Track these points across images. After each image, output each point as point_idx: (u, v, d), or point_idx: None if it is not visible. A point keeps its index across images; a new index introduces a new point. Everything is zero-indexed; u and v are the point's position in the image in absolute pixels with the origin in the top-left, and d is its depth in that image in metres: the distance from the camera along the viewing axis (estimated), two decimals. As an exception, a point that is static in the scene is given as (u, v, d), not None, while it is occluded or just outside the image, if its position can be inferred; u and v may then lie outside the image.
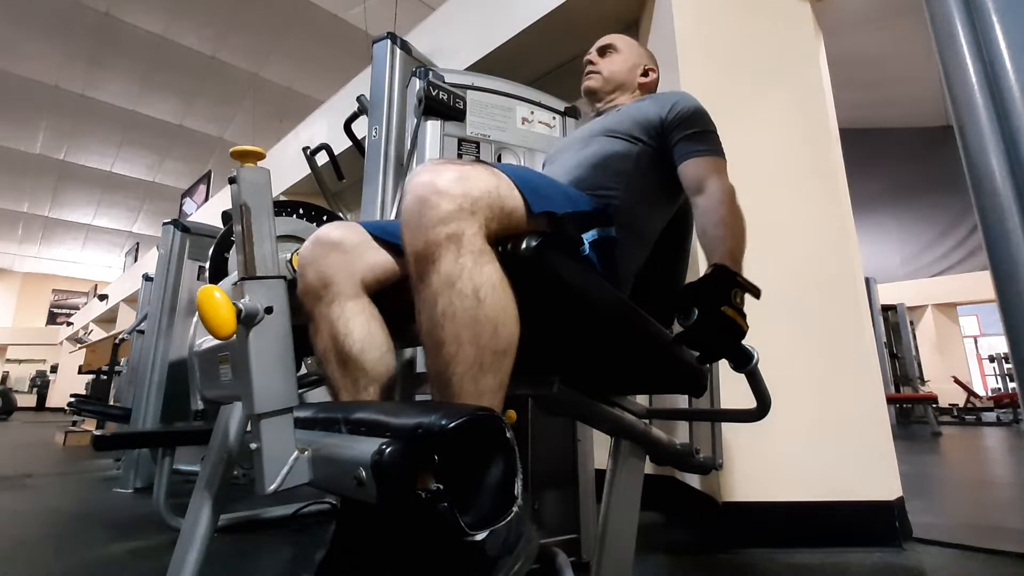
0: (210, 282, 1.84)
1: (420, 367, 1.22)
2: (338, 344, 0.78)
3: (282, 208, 1.81)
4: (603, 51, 1.29)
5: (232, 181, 0.66)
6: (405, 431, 0.52)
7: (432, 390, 0.65)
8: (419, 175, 0.66)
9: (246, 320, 0.61)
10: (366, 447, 0.51)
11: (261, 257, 0.64)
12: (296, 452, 0.60)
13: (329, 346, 0.79)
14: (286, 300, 0.64)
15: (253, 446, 0.59)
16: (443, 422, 0.50)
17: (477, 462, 0.53)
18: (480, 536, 0.50)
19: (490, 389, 0.63)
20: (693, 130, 1.03)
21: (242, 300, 0.61)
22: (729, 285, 0.78)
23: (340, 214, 2.27)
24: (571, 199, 0.86)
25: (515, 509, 0.53)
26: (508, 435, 0.54)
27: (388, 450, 0.50)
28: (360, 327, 0.78)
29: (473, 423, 0.51)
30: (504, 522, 0.53)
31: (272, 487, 0.58)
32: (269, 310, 0.62)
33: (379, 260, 0.84)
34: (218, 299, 0.57)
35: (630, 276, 0.97)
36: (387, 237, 0.85)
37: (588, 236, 0.86)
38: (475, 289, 0.62)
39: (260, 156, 0.67)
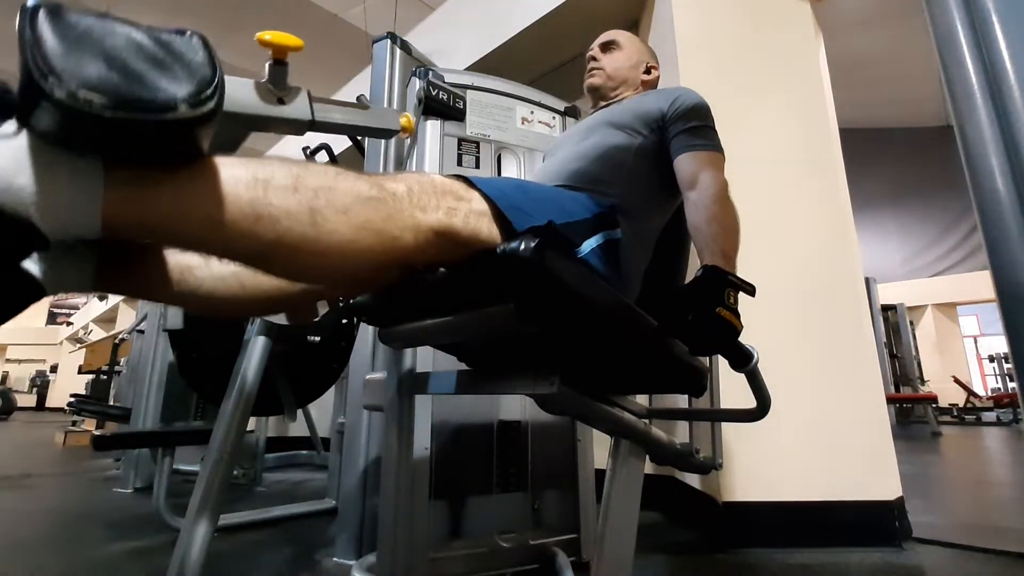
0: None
1: (420, 367, 1.22)
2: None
3: None
4: (606, 47, 1.28)
5: None
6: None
7: None
8: None
9: (279, 74, 0.72)
10: None
11: (325, 107, 0.74)
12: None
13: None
14: (294, 114, 0.71)
15: None
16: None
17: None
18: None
19: (263, 191, 0.51)
20: (692, 124, 1.03)
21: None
22: (722, 286, 0.78)
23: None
24: (565, 208, 0.85)
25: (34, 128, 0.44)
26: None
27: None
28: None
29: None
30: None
31: None
32: (281, 101, 0.71)
33: None
34: (298, 45, 0.71)
35: (636, 277, 0.96)
36: None
37: (593, 241, 0.86)
38: (377, 199, 0.57)
39: (409, 130, 0.80)
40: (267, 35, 0.68)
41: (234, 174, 0.50)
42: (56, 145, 0.45)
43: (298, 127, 0.72)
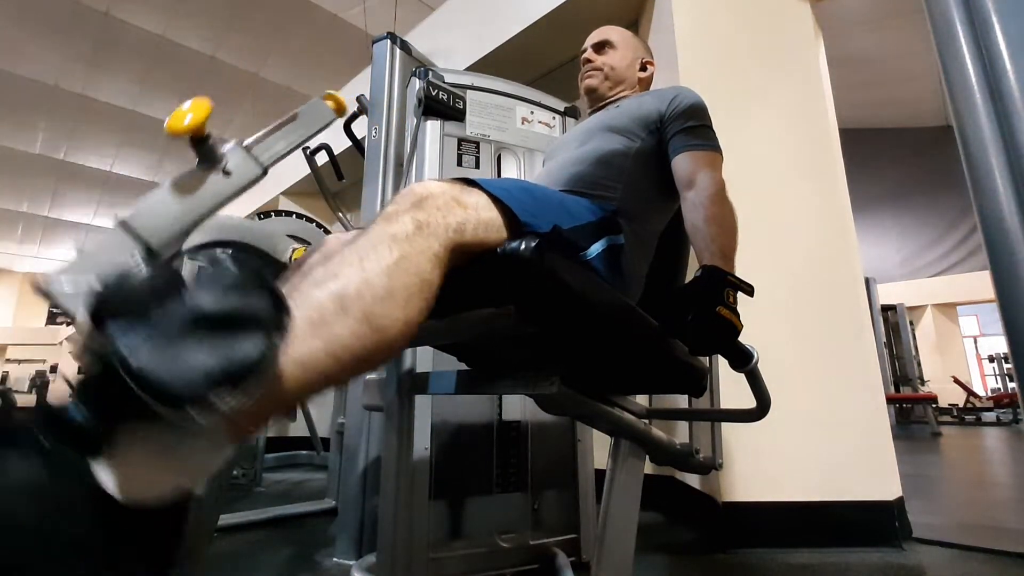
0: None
1: (420, 367, 1.22)
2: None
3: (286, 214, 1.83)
4: (600, 47, 1.27)
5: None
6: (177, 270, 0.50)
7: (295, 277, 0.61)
8: (419, 181, 0.71)
9: (207, 153, 0.63)
10: None
11: (267, 145, 0.69)
12: (96, 282, 0.52)
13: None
14: (243, 185, 0.67)
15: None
16: (224, 263, 0.48)
17: (220, 326, 0.44)
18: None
19: (330, 332, 0.52)
20: (689, 124, 1.03)
21: (228, 146, 0.64)
22: (721, 286, 0.78)
23: (340, 214, 2.27)
24: (570, 212, 0.85)
25: (201, 424, 0.42)
26: (276, 335, 0.46)
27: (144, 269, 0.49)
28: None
29: (248, 282, 0.47)
30: (171, 410, 0.40)
31: (53, 284, 0.54)
32: (227, 173, 0.65)
33: None
34: (198, 106, 0.62)
35: (639, 280, 0.96)
36: None
37: (599, 246, 0.85)
38: (402, 257, 0.58)
39: (342, 110, 0.76)
40: (172, 121, 0.61)
41: (304, 344, 0.51)
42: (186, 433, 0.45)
43: (255, 182, 0.68)
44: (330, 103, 0.71)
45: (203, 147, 0.62)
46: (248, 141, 0.66)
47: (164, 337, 0.41)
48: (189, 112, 0.61)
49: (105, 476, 0.42)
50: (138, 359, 0.39)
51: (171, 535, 0.47)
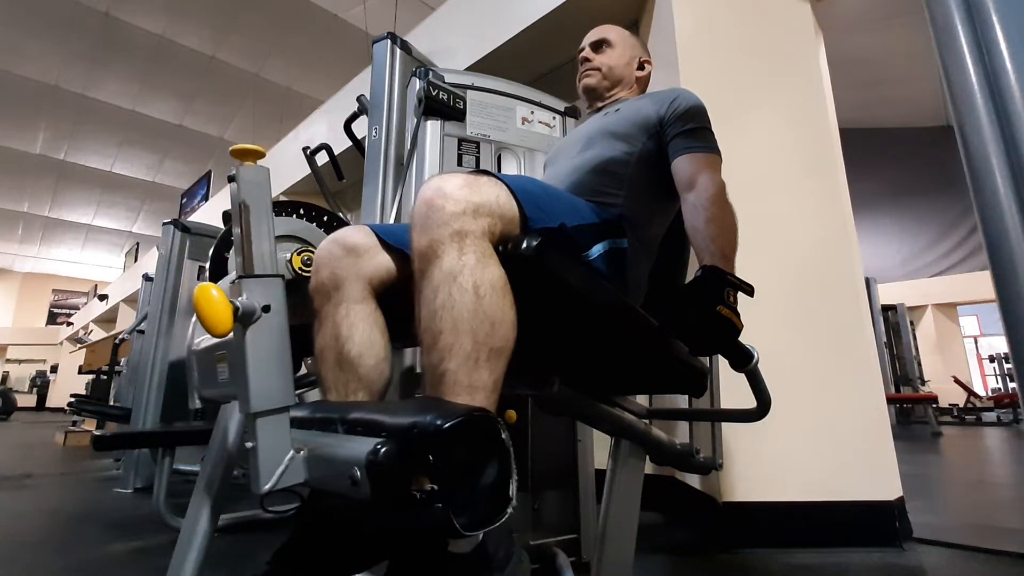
0: (210, 281, 1.83)
1: (420, 367, 1.22)
2: (339, 345, 0.79)
3: (282, 208, 1.82)
4: (598, 46, 1.27)
5: (231, 180, 0.66)
6: (400, 430, 0.52)
7: (426, 385, 0.65)
8: (429, 182, 0.70)
9: (243, 318, 0.60)
10: (361, 447, 0.51)
11: (259, 255, 0.64)
12: (292, 451, 0.60)
13: (330, 344, 0.80)
14: (283, 299, 0.64)
15: (249, 445, 0.59)
16: (438, 422, 0.50)
17: (472, 463, 0.53)
18: (474, 536, 0.50)
19: (484, 385, 0.62)
20: (689, 126, 1.03)
21: (239, 299, 0.60)
22: (721, 286, 0.78)
23: (340, 214, 2.27)
24: (578, 211, 0.86)
25: (509, 511, 0.53)
26: (504, 436, 0.54)
27: (383, 450, 0.50)
28: (362, 333, 0.80)
29: (469, 423, 0.51)
30: (499, 523, 0.52)
31: (268, 486, 0.57)
32: (267, 309, 0.62)
33: (385, 263, 0.85)
34: (215, 297, 0.57)
35: (641, 283, 0.96)
36: (393, 241, 0.86)
37: (600, 247, 0.86)
38: (475, 285, 0.63)
39: (260, 155, 0.66)
40: (214, 327, 0.57)
41: (484, 397, 0.63)
42: None
43: (284, 289, 0.65)
44: (249, 161, 0.66)
45: (238, 317, 0.60)
46: (242, 270, 0.62)
47: (458, 500, 0.51)
48: (216, 302, 0.58)
49: None
50: (462, 521, 0.50)
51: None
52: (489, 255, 0.65)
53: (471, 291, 0.62)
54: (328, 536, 0.65)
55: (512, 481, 0.53)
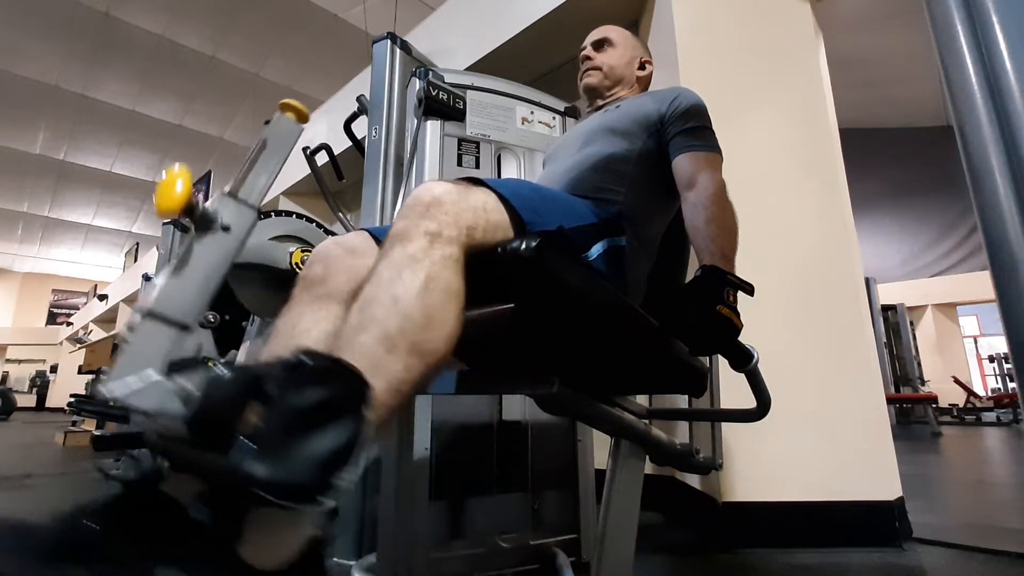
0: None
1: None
2: (295, 333, 0.76)
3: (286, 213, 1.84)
4: (599, 45, 1.27)
5: (267, 123, 0.66)
6: (257, 368, 0.49)
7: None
8: (422, 184, 0.70)
9: (200, 219, 0.57)
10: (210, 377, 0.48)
11: (251, 185, 0.62)
12: (155, 372, 0.51)
13: (286, 331, 0.77)
14: (246, 233, 0.61)
15: (124, 340, 0.52)
16: (298, 360, 0.48)
17: (317, 421, 0.47)
18: (273, 500, 0.43)
19: (390, 375, 0.55)
20: (689, 125, 1.03)
21: (215, 201, 0.58)
22: (721, 285, 0.78)
23: (340, 214, 2.27)
24: (575, 212, 0.86)
25: (331, 504, 0.46)
26: (364, 408, 0.49)
27: (225, 374, 0.46)
28: (323, 331, 0.76)
29: (326, 372, 0.48)
30: (312, 502, 0.45)
31: (117, 390, 0.49)
32: (226, 228, 0.59)
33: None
34: (181, 180, 0.54)
35: (641, 282, 0.96)
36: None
37: (599, 247, 0.86)
38: (429, 278, 0.60)
39: (304, 118, 0.67)
40: (163, 202, 0.54)
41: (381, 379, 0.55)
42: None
43: (254, 226, 0.62)
44: (290, 115, 0.66)
45: (195, 214, 0.56)
46: (230, 187, 0.62)
47: (274, 445, 0.45)
48: (177, 182, 0.54)
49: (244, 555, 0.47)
50: (262, 471, 0.43)
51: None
52: (455, 261, 0.64)
53: (422, 280, 0.60)
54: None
55: (350, 466, 0.47)
